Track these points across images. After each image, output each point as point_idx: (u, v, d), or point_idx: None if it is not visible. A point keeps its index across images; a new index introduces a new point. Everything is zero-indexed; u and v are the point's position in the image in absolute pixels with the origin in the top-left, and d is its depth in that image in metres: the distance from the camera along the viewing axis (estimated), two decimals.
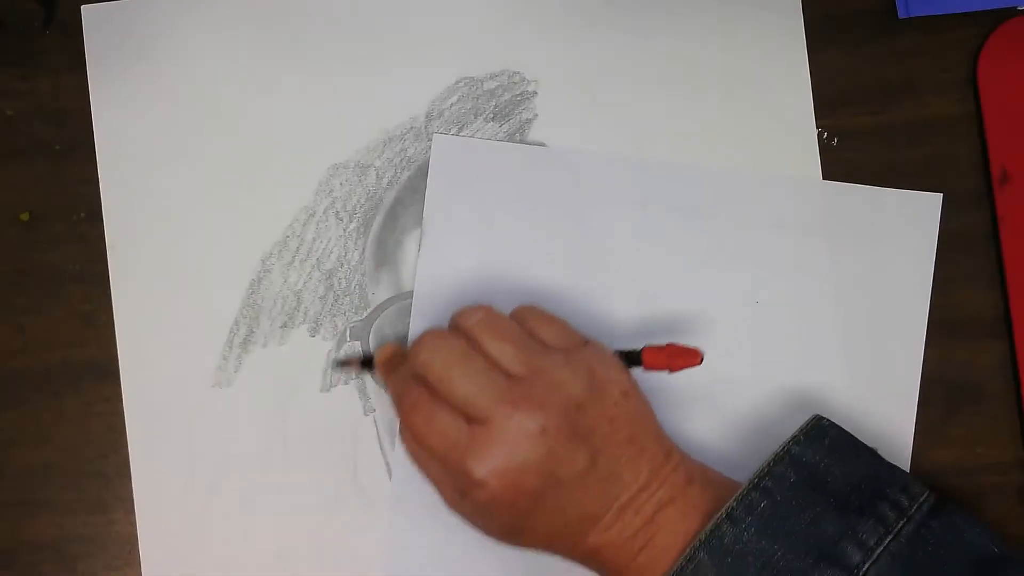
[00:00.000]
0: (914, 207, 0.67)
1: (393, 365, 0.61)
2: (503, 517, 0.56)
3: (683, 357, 0.59)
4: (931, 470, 0.66)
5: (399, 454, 0.66)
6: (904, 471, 0.59)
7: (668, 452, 0.58)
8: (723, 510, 0.55)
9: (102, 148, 0.68)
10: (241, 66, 0.68)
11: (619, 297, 0.67)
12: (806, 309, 0.67)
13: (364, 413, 0.66)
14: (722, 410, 0.66)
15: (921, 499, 0.57)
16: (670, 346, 0.59)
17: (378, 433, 0.66)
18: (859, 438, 0.59)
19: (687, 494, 0.57)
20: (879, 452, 0.59)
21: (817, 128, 0.68)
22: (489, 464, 0.54)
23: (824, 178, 0.67)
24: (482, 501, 0.55)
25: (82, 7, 0.68)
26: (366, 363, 0.64)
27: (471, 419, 0.55)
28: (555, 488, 0.55)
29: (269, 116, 0.68)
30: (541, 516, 0.56)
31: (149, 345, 0.66)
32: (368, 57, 0.68)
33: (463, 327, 0.57)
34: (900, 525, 0.55)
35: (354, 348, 0.66)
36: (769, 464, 0.57)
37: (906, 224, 0.67)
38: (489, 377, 0.55)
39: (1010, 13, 0.68)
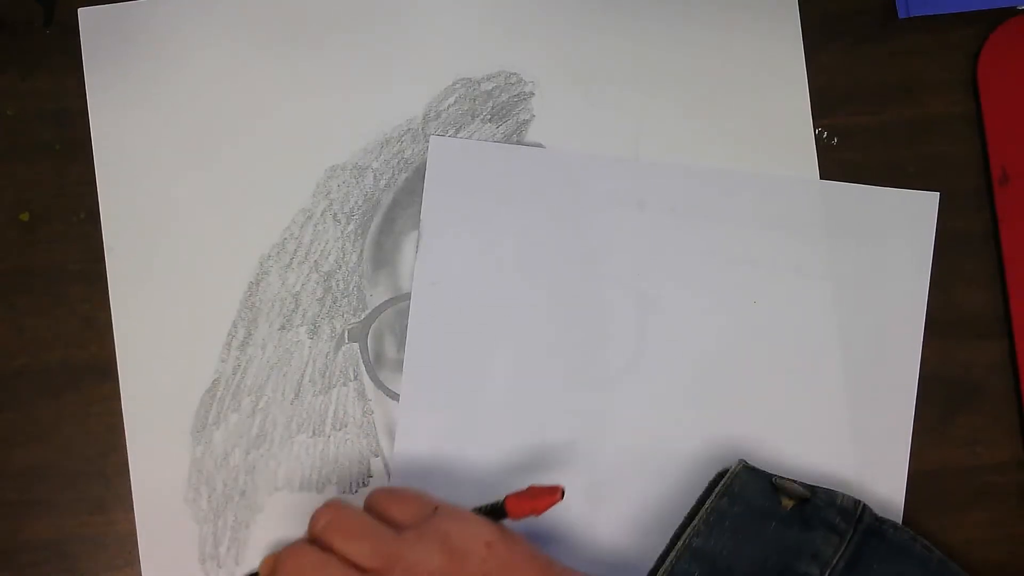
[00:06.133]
0: (911, 206, 0.67)
1: None
2: None
3: (545, 497, 0.57)
4: (931, 470, 0.66)
5: (398, 455, 0.66)
6: (825, 519, 0.59)
7: None
8: None
9: (100, 150, 0.68)
10: (238, 68, 0.68)
11: (616, 298, 0.67)
12: (804, 309, 0.67)
13: (363, 414, 0.67)
14: (720, 409, 0.66)
15: (834, 561, 0.57)
16: (531, 488, 0.58)
17: (377, 434, 0.66)
18: (788, 476, 0.60)
19: None
20: (805, 485, 0.60)
21: (816, 128, 0.68)
22: None
23: (822, 178, 0.67)
24: None
25: (79, 10, 0.68)
26: None
27: None
28: None
29: (266, 118, 0.68)
30: None
31: (147, 346, 0.67)
32: (365, 58, 0.68)
33: (315, 534, 0.57)
34: None
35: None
36: (672, 561, 0.56)
37: (903, 223, 0.67)
38: None
39: (1010, 13, 0.68)
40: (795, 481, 0.62)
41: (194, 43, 0.68)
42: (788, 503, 0.60)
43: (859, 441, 0.66)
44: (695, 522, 0.58)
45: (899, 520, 0.65)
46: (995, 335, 0.67)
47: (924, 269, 0.67)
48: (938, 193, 0.67)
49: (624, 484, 0.66)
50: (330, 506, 0.58)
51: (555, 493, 0.57)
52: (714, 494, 0.59)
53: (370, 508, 0.59)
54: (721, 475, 0.62)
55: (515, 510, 0.57)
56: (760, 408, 0.66)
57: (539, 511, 0.57)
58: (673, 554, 0.57)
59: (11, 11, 0.69)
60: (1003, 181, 0.67)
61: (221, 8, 0.68)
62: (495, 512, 0.58)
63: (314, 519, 0.57)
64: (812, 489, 0.61)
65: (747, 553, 0.57)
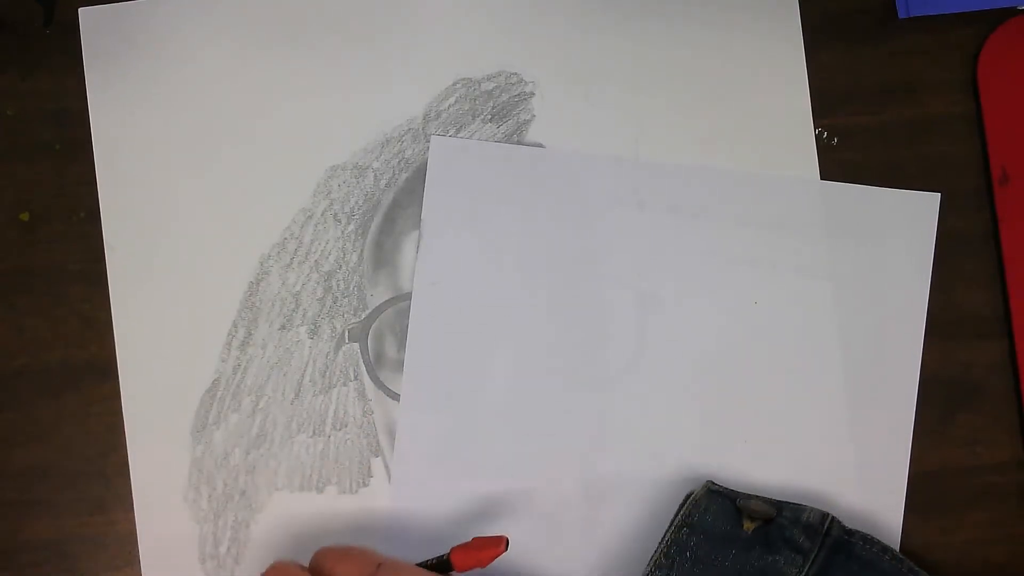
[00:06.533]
0: (912, 207, 0.67)
1: None
2: None
3: (490, 548, 0.57)
4: (931, 470, 0.66)
5: (398, 455, 0.66)
6: (789, 539, 0.59)
7: None
8: None
9: (100, 149, 0.68)
10: (239, 68, 0.68)
11: (616, 298, 0.67)
12: (804, 309, 0.67)
13: (363, 414, 0.67)
14: (720, 409, 0.66)
15: None
16: (475, 540, 0.58)
17: (377, 434, 0.66)
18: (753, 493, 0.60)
19: None
20: (772, 502, 0.60)
21: (817, 128, 0.68)
22: None
23: (822, 178, 0.67)
24: None
25: (79, 9, 0.68)
26: None
27: None
28: None
29: (267, 118, 0.68)
30: None
31: (147, 346, 0.67)
32: (365, 58, 0.68)
33: None
34: None
35: None
36: None
37: (904, 224, 0.67)
38: None
39: (1010, 13, 0.68)
40: (761, 498, 0.62)
41: (194, 43, 0.68)
42: (750, 525, 0.60)
43: (859, 441, 0.66)
44: (655, 555, 0.59)
45: (899, 521, 0.65)
46: (995, 335, 0.67)
47: (925, 270, 0.67)
48: (939, 194, 0.67)
49: (624, 484, 0.66)
50: (275, 568, 0.58)
51: (499, 544, 0.57)
52: (673, 526, 0.60)
53: (315, 568, 0.58)
54: (689, 498, 0.62)
55: (461, 563, 0.57)
56: (760, 408, 0.66)
57: (484, 563, 0.57)
58: None
59: (11, 11, 0.69)
60: (1003, 181, 0.67)
61: (221, 8, 0.68)
62: (441, 566, 0.58)
63: None
64: (779, 506, 0.61)
65: None
